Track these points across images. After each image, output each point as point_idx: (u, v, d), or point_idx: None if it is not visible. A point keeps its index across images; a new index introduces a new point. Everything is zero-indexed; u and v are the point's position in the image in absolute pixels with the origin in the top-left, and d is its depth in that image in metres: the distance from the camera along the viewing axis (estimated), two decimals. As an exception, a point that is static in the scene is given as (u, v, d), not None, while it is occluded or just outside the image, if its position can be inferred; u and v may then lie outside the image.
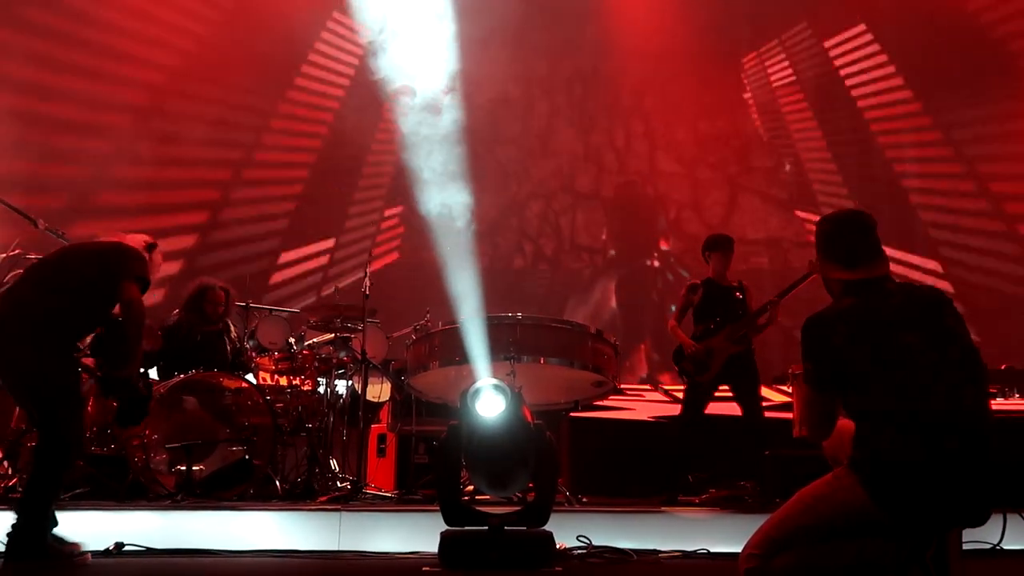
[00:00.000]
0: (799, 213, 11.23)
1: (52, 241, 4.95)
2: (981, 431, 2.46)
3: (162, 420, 5.07)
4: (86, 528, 4.05)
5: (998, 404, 7.28)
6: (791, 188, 11.59)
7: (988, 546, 4.35)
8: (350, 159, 10.90)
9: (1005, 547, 4.36)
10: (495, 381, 3.75)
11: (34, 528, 3.50)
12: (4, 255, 5.24)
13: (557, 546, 3.69)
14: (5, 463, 4.91)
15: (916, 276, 10.15)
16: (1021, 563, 4.14)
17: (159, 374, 5.72)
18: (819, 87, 11.47)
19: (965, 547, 4.27)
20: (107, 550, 3.87)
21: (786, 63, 11.50)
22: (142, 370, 4.61)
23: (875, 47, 11.05)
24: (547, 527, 3.66)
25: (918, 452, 2.38)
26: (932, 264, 10.55)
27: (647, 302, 11.24)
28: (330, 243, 10.75)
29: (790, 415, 6.03)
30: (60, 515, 3.71)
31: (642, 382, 9.61)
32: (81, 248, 4.04)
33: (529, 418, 3.79)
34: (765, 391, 7.32)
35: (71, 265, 3.86)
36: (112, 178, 9.39)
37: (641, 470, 6.04)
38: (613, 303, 11.28)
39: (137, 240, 4.10)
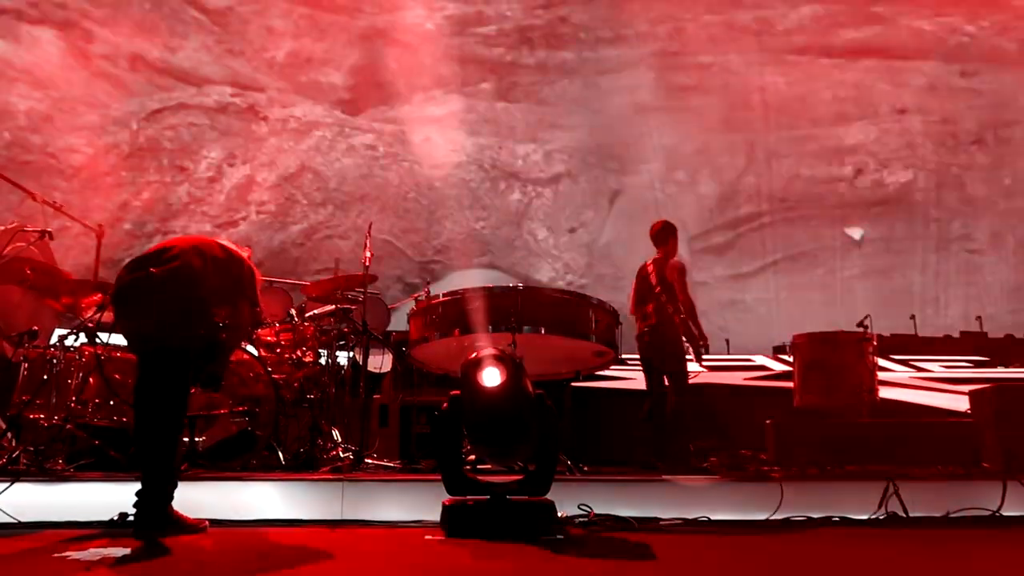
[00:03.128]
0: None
1: (51, 213, 4.94)
2: None
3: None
4: (91, 499, 4.10)
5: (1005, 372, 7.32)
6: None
7: (988, 513, 4.39)
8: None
9: (1004, 514, 4.40)
10: (496, 351, 3.75)
11: (158, 496, 3.64)
12: (3, 228, 5.23)
13: (559, 515, 3.70)
14: (9, 434, 4.92)
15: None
16: (1020, 529, 4.17)
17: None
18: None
19: (965, 513, 4.34)
20: (111, 520, 3.88)
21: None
22: None
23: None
24: (548, 496, 3.68)
25: None
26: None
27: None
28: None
29: (790, 384, 6.11)
30: (64, 486, 3.73)
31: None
32: (222, 251, 4.12)
33: (530, 388, 3.79)
34: (766, 360, 7.36)
35: (219, 264, 4.00)
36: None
37: (642, 439, 6.07)
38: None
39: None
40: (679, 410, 5.66)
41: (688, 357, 5.85)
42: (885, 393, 6.04)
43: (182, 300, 3.80)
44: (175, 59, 13.34)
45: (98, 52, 12.82)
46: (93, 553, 3.18)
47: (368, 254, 5.84)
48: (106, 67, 12.81)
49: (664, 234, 6.11)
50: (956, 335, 8.22)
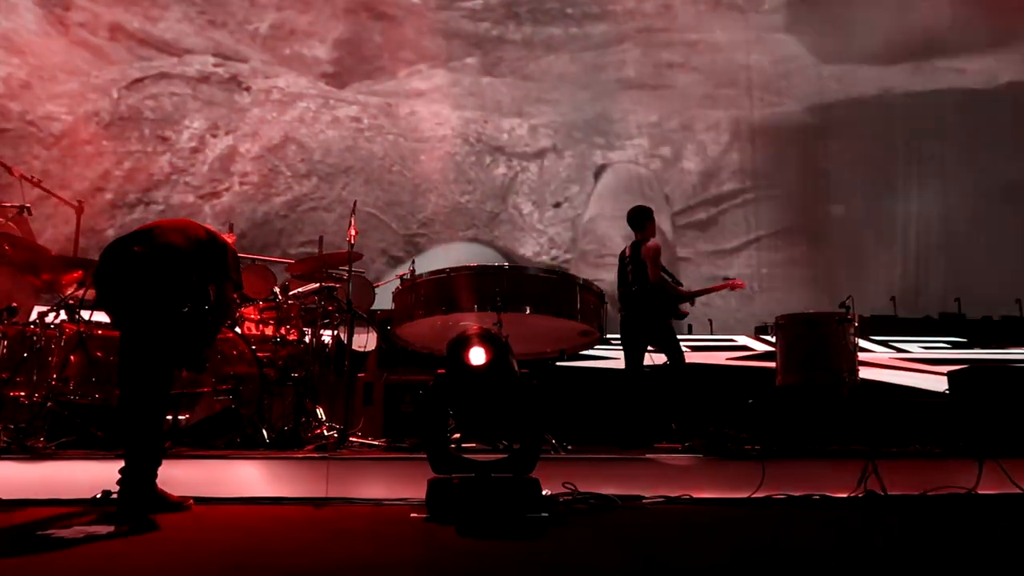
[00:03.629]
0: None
1: (28, 188, 4.86)
2: None
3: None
4: (73, 476, 4.07)
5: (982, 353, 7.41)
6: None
7: (963, 491, 4.46)
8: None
9: (980, 492, 4.48)
10: (482, 330, 3.75)
11: (142, 474, 3.60)
12: (-18, 204, 5.16)
13: (543, 492, 3.73)
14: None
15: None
16: (993, 507, 4.25)
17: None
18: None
19: (942, 492, 4.42)
20: (94, 498, 3.87)
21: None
22: None
23: None
24: (533, 474, 3.70)
25: None
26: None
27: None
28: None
29: (772, 364, 6.16)
30: (46, 464, 3.71)
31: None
32: (206, 233, 4.11)
33: (516, 367, 3.80)
34: (748, 340, 7.41)
35: (202, 246, 3.99)
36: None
37: (626, 418, 6.11)
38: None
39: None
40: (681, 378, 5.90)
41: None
42: (865, 373, 6.11)
43: (166, 278, 3.78)
44: (155, 30, 13.10)
45: (76, 20, 12.56)
46: (77, 531, 3.18)
47: (353, 232, 5.80)
48: (84, 36, 12.57)
49: (640, 218, 6.31)
50: (935, 316, 8.31)
